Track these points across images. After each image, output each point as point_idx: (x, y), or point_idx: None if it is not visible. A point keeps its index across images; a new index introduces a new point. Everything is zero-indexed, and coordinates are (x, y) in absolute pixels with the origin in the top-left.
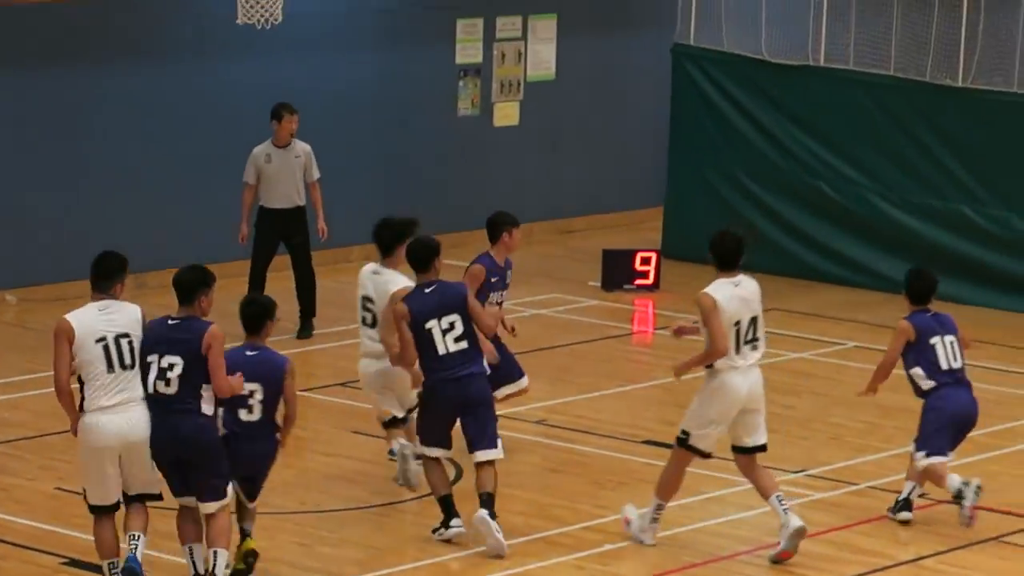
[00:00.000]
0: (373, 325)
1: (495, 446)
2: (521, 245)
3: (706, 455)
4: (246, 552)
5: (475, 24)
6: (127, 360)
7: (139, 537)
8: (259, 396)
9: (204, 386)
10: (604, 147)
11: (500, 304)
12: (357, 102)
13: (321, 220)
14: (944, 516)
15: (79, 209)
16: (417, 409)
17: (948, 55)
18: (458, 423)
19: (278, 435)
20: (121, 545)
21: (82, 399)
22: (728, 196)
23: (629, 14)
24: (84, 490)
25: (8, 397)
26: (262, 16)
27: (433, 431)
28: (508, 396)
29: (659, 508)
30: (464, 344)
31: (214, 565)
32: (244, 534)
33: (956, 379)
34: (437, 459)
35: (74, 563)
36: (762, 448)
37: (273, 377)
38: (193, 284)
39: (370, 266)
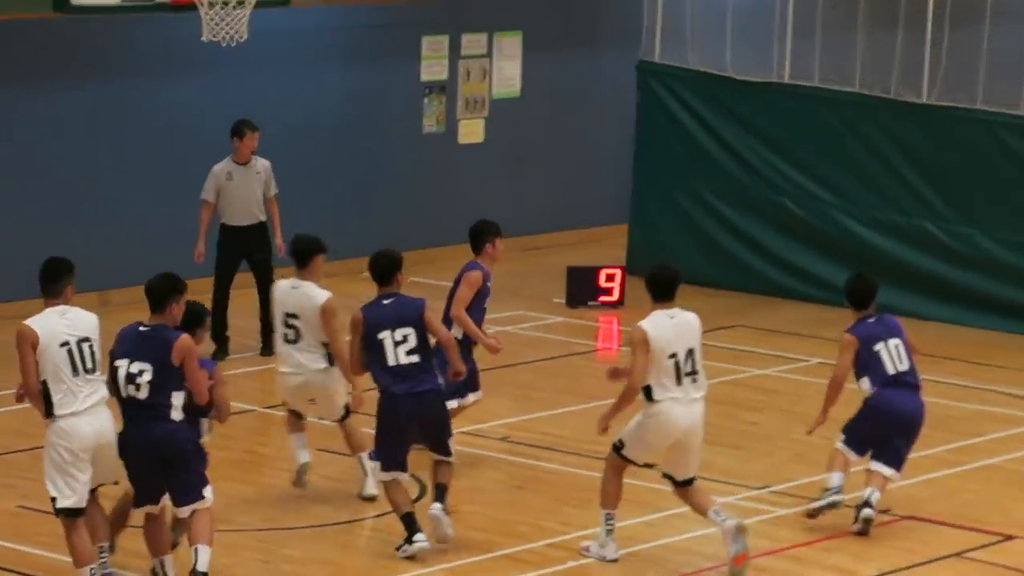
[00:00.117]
0: (295, 341)
1: (450, 454)
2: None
3: (639, 465)
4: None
5: (440, 41)
6: (89, 364)
7: (105, 550)
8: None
9: (175, 393)
10: (569, 164)
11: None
12: (322, 119)
13: (278, 236)
14: (907, 531)
15: (41, 226)
16: (374, 433)
17: (912, 72)
18: None
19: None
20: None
21: (49, 404)
22: (693, 213)
23: (594, 31)
24: (54, 498)
25: None
26: (227, 34)
27: (393, 455)
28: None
29: (609, 518)
30: (416, 358)
31: (196, 561)
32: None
33: (902, 381)
34: (399, 480)
35: None
36: (689, 482)
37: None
38: (165, 292)
39: (287, 282)
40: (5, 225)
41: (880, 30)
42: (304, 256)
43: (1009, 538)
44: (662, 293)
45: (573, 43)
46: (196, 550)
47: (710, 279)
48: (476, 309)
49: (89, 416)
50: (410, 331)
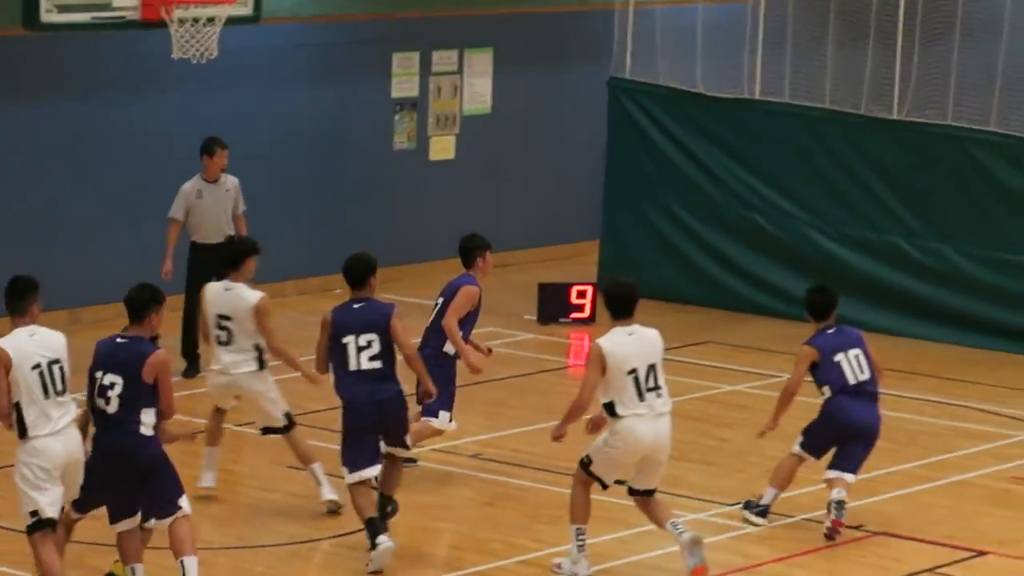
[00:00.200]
0: (227, 343)
1: (407, 447)
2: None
3: (605, 485)
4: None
5: (411, 58)
6: (59, 386)
7: None
8: (118, 389)
9: (144, 410)
10: (540, 180)
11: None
12: (293, 136)
13: None
14: (879, 547)
15: (10, 244)
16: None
17: (883, 88)
18: None
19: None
20: None
21: (22, 426)
22: (664, 229)
23: (565, 48)
24: (34, 511)
25: None
26: (197, 51)
27: (357, 458)
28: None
29: (580, 534)
30: (378, 364)
31: (183, 573)
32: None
33: (860, 391)
34: (365, 482)
35: None
36: (650, 492)
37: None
38: (144, 302)
39: (219, 284)
40: None
41: (850, 46)
42: (238, 257)
43: (981, 554)
44: (620, 310)
45: (544, 59)
46: (183, 563)
47: (681, 295)
48: (465, 324)
49: (62, 436)
50: (375, 337)
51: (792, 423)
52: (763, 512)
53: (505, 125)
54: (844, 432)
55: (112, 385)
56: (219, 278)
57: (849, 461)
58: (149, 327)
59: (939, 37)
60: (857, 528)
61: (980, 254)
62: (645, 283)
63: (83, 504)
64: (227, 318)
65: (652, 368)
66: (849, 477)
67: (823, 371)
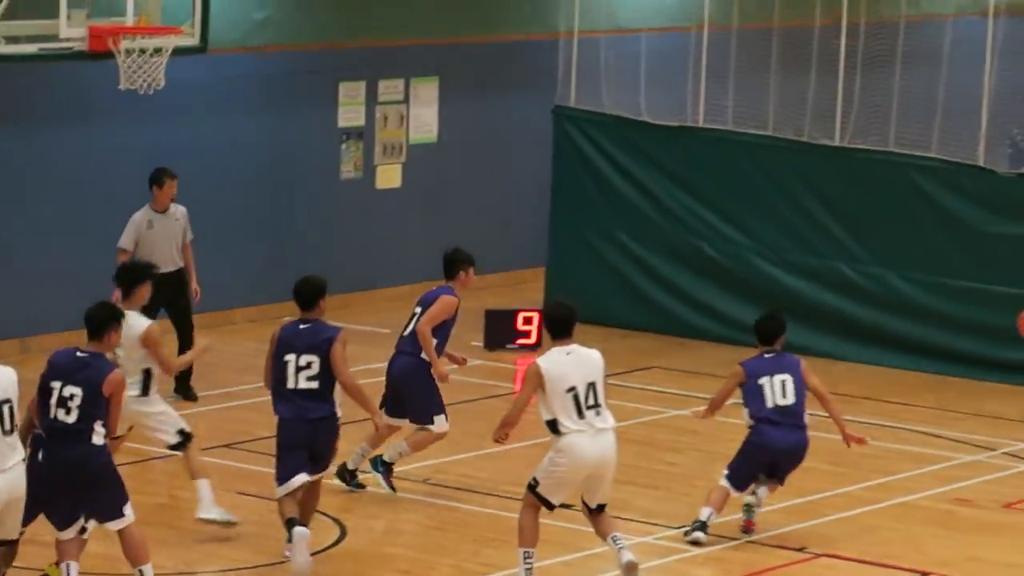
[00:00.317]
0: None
1: (326, 469)
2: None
3: (551, 507)
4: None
5: (357, 87)
6: (7, 426)
7: None
8: (78, 400)
9: (99, 421)
10: (486, 208)
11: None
12: (241, 166)
13: (194, 281)
14: (823, 570)
15: None
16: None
17: (825, 115)
18: None
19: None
20: None
21: None
22: (609, 256)
23: (510, 77)
24: None
25: None
26: (144, 81)
27: (286, 474)
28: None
29: (527, 557)
30: (315, 384)
31: None
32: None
33: (780, 417)
34: (293, 492)
35: None
36: (600, 508)
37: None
38: (104, 320)
39: None
40: None
41: (793, 74)
42: (129, 285)
43: (924, 574)
44: (558, 330)
45: (489, 88)
46: (141, 571)
47: (627, 321)
48: (440, 333)
49: (8, 475)
50: (315, 359)
51: (732, 447)
52: (701, 527)
53: (451, 153)
54: (766, 461)
55: (72, 396)
56: (167, 308)
57: (774, 477)
58: (108, 344)
59: (880, 65)
60: (801, 550)
61: (921, 279)
62: (591, 309)
63: (26, 517)
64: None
65: (592, 386)
66: (773, 483)
67: (746, 394)
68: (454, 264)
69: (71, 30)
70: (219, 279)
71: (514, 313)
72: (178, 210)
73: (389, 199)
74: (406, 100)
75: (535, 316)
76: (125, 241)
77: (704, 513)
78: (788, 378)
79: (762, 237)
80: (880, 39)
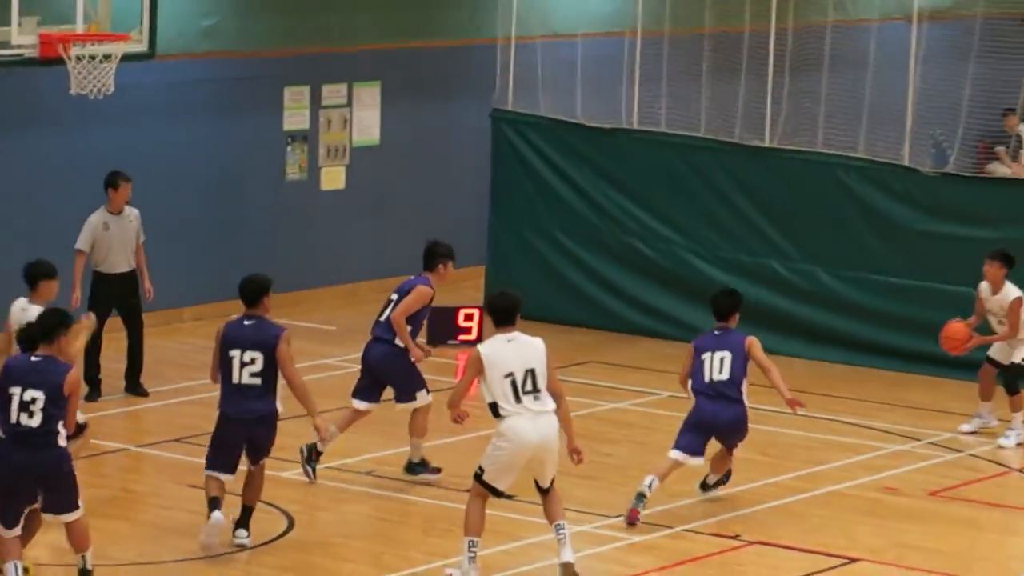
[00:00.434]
0: None
1: (260, 464)
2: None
3: (500, 494)
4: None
5: (302, 92)
6: None
7: None
8: (40, 404)
9: (60, 422)
10: (427, 209)
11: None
12: (189, 168)
13: (147, 281)
14: (756, 556)
15: None
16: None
17: (755, 117)
18: None
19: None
20: None
21: None
22: (547, 253)
23: (449, 81)
24: None
25: None
26: (94, 87)
27: (221, 463)
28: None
29: (472, 546)
30: (257, 381)
31: (85, 563)
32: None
33: (715, 391)
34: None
35: None
36: (547, 490)
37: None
38: (53, 326)
39: (20, 302)
40: None
41: (724, 78)
42: (33, 280)
43: (853, 560)
44: (501, 319)
45: (429, 93)
46: (84, 557)
47: (564, 317)
48: (414, 321)
49: None
50: (259, 355)
51: (666, 440)
52: (642, 495)
53: (393, 156)
54: (708, 432)
55: (34, 400)
56: (118, 307)
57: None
58: (58, 348)
59: (808, 69)
60: (734, 538)
61: (849, 274)
62: (530, 306)
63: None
64: None
65: (530, 372)
66: (693, 460)
67: (693, 368)
68: (434, 256)
69: (22, 37)
70: (169, 279)
71: (455, 310)
72: (132, 212)
73: (333, 200)
74: (349, 104)
75: (476, 313)
76: (82, 243)
77: (646, 480)
78: (727, 355)
79: (695, 235)
80: (808, 44)
